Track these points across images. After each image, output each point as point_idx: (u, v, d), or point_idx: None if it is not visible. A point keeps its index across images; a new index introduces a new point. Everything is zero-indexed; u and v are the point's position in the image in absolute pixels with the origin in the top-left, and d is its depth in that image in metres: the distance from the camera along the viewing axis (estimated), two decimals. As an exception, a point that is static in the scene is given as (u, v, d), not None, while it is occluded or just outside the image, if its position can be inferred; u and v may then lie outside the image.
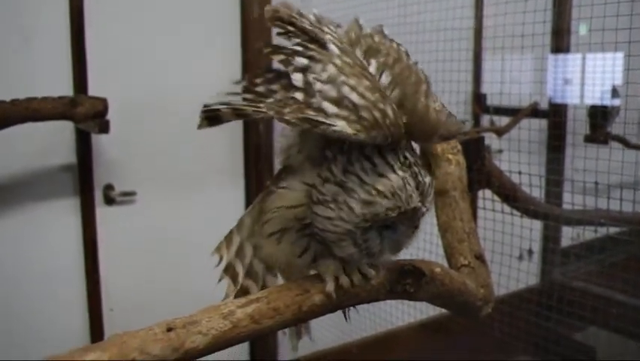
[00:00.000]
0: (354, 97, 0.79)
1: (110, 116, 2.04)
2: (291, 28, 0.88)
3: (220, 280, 1.08)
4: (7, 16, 2.06)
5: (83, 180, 2.24)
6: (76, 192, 2.24)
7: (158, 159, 2.41)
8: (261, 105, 0.80)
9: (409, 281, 1.03)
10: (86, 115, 2.00)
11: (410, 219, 0.85)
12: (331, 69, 0.81)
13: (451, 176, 1.54)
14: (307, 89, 0.80)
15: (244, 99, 0.85)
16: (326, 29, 0.89)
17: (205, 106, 0.84)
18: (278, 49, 0.87)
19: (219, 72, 2.51)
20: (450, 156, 1.59)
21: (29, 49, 2.09)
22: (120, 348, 0.78)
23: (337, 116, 0.77)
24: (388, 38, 0.97)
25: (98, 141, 2.24)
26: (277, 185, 0.93)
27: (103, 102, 2.03)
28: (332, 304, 0.96)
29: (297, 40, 0.86)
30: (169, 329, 0.82)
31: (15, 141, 2.04)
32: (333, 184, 0.82)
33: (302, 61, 0.83)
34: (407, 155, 0.83)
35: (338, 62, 0.83)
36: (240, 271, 1.08)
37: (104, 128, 2.01)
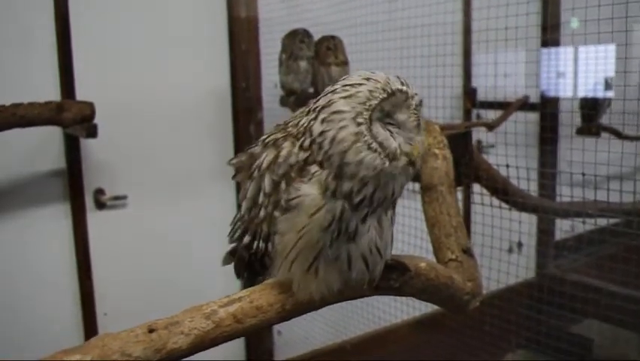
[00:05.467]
0: None
1: (98, 120, 2.03)
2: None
3: None
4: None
5: (72, 185, 2.23)
6: (67, 197, 2.23)
7: (148, 162, 2.41)
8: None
9: (394, 277, 1.04)
10: (74, 120, 2.00)
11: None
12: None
13: (438, 171, 1.55)
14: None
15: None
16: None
17: None
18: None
19: (207, 74, 2.51)
20: (436, 151, 1.59)
21: (16, 55, 2.09)
22: (102, 350, 0.78)
23: None
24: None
25: (87, 145, 2.23)
26: None
27: (90, 106, 2.03)
28: (316, 302, 0.96)
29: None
30: (151, 330, 0.82)
31: (2, 147, 2.04)
32: None
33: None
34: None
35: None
36: None
37: (92, 132, 2.00)
